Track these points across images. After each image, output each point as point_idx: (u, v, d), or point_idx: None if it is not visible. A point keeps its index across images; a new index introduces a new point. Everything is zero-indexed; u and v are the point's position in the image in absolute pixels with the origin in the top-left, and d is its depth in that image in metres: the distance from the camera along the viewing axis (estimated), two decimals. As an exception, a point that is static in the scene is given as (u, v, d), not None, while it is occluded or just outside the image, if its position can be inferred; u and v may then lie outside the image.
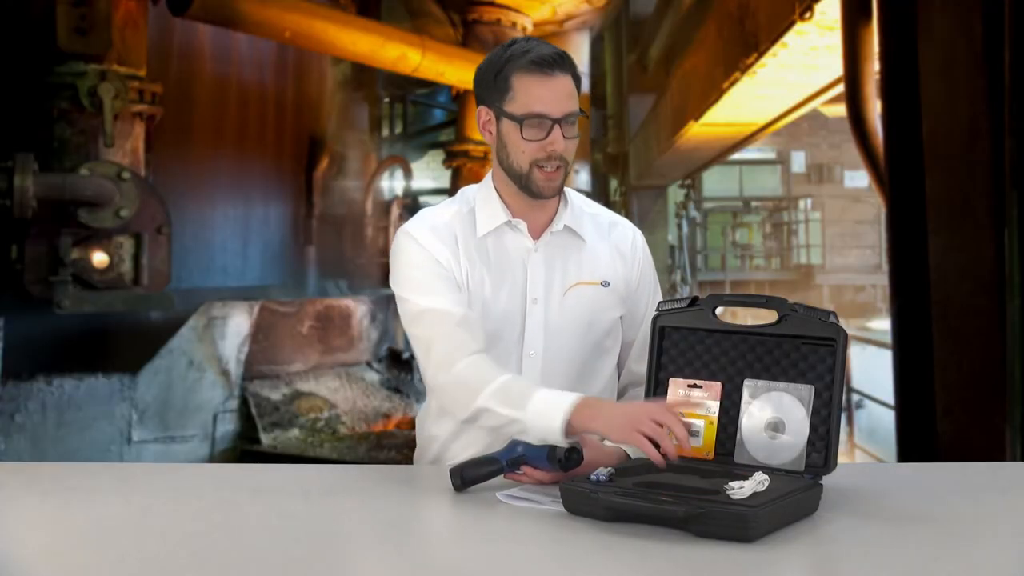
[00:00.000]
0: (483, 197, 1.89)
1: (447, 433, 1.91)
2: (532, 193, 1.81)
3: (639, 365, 1.90)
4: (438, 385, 1.80)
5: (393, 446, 7.88)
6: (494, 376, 1.72)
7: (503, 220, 1.85)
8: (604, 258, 1.90)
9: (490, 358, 1.77)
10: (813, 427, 1.59)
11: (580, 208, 1.92)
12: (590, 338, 1.86)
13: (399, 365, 9.44)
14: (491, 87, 1.80)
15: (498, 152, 1.83)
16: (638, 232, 1.97)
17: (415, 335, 1.83)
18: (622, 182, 15.34)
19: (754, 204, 18.35)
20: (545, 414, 1.64)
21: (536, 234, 1.87)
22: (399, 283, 1.86)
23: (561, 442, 1.63)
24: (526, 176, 1.79)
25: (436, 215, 1.89)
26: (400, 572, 1.36)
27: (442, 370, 1.78)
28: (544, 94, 1.76)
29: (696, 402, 1.67)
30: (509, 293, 1.84)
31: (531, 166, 1.78)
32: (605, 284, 1.88)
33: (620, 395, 1.99)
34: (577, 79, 1.80)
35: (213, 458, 7.34)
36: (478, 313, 1.81)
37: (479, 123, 1.85)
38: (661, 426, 1.56)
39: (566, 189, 1.92)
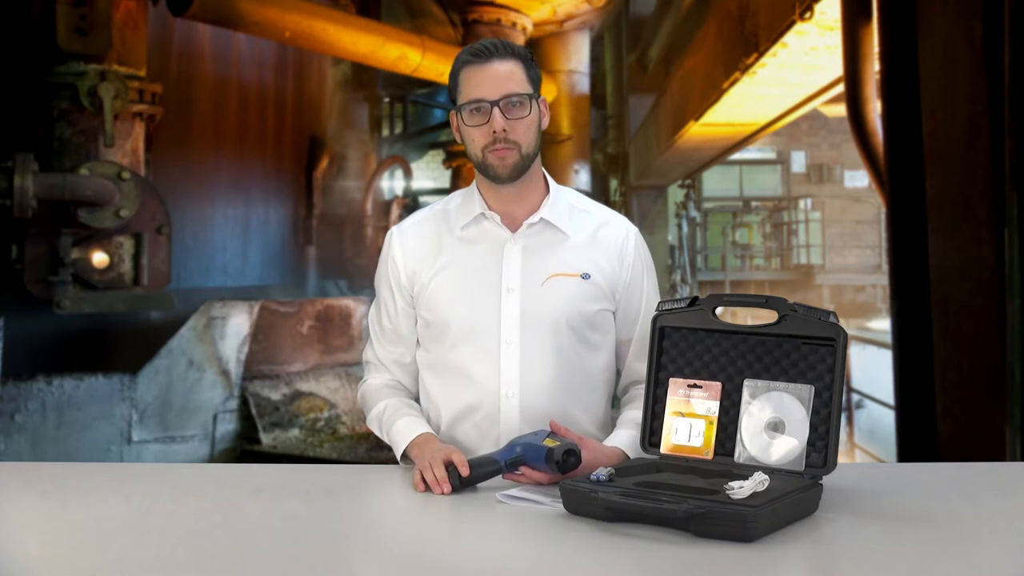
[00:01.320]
0: (465, 194, 1.97)
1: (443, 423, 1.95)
2: (492, 178, 1.87)
3: (640, 363, 1.90)
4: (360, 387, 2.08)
5: (393, 446, 7.87)
6: (376, 401, 1.98)
7: (478, 212, 1.92)
8: (587, 253, 1.92)
9: (388, 378, 2.00)
10: (813, 427, 1.59)
11: (569, 204, 1.95)
12: (570, 330, 1.88)
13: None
14: (450, 90, 1.90)
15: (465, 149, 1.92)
16: (633, 231, 1.97)
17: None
18: (622, 182, 15.30)
19: (754, 204, 18.30)
20: (396, 444, 1.89)
21: (516, 227, 1.91)
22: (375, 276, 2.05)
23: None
24: (483, 162, 1.86)
25: (417, 214, 2.03)
26: (400, 572, 1.36)
27: (363, 378, 2.06)
28: (480, 80, 1.83)
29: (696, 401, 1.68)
30: (485, 283, 1.89)
31: (483, 151, 1.85)
32: (585, 277, 1.90)
33: (624, 393, 2.00)
34: (527, 64, 1.86)
35: (213, 458, 7.34)
36: (448, 306, 1.90)
37: (452, 129, 1.93)
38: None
39: (557, 186, 1.97)
